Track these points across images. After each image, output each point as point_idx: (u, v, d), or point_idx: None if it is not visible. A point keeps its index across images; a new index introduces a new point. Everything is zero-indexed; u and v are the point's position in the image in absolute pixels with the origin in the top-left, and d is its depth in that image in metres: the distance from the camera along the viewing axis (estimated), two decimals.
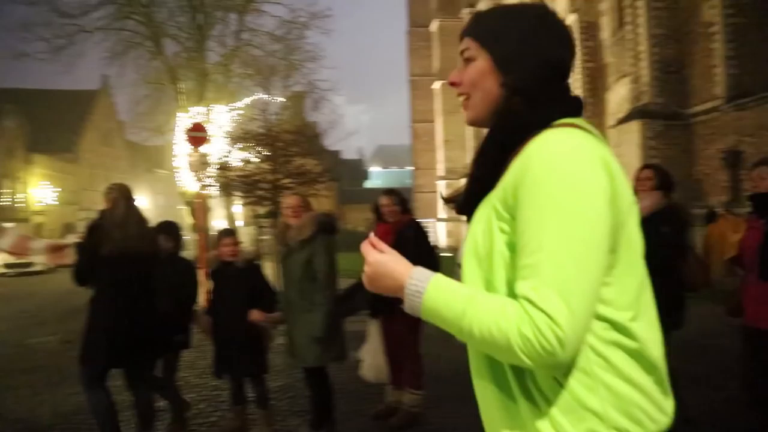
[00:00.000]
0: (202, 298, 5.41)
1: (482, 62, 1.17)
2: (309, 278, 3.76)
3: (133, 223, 3.69)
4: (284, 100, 23.88)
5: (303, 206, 3.95)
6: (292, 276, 3.83)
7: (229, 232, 4.46)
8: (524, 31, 1.16)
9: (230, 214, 23.79)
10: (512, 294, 1.02)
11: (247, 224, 32.89)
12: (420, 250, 4.03)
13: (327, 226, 3.87)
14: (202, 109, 20.53)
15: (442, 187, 33.87)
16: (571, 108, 1.16)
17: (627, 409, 1.03)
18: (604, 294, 1.02)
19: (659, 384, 1.08)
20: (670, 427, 1.08)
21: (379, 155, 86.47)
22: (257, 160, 13.10)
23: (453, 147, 32.82)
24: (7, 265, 23.57)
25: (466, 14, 27.81)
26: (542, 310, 0.95)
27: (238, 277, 4.03)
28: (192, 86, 23.42)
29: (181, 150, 21.71)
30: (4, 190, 32.83)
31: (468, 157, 28.83)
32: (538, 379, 1.03)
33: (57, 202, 38.26)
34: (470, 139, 28.68)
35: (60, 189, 38.60)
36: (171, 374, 4.31)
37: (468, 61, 1.19)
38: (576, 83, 16.10)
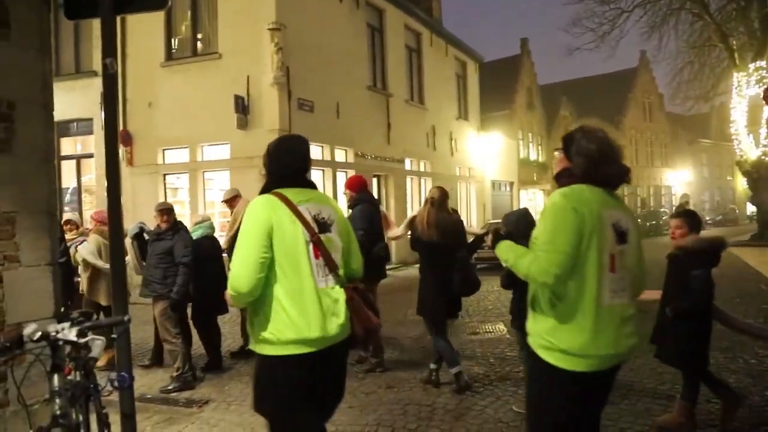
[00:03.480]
0: None
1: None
2: None
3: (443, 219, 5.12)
4: None
5: None
6: None
7: (678, 214, 4.41)
8: (271, 153, 2.77)
9: None
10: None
11: None
12: None
13: None
14: (763, 63, 18.09)
15: None
16: (285, 184, 2.68)
17: (276, 326, 2.49)
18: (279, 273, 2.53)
19: (302, 313, 2.48)
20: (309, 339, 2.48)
21: None
22: None
23: None
24: None
25: None
26: (233, 274, 2.51)
27: (672, 263, 4.16)
28: (745, 40, 20.92)
29: (739, 114, 19.77)
30: None
31: None
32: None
33: None
34: None
35: None
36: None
37: None
38: None
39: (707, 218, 42.25)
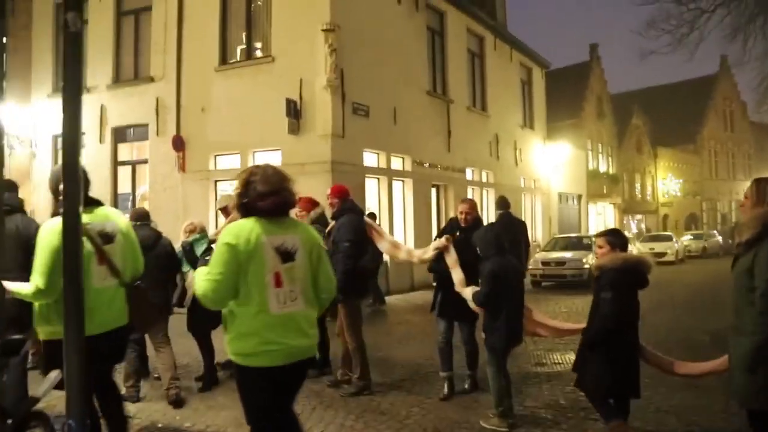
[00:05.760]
0: None
1: None
2: (747, 290, 2.87)
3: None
4: None
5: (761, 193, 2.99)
6: (735, 287, 2.98)
7: (600, 233, 4.28)
8: (54, 182, 3.36)
9: None
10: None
11: None
12: None
13: None
14: None
15: None
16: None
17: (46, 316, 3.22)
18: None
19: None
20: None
21: None
22: None
23: None
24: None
25: None
26: (41, 282, 3.09)
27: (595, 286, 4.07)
28: None
29: None
30: (637, 184, 35.17)
31: None
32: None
33: (680, 194, 38.38)
34: None
35: (682, 180, 38.58)
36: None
37: None
38: None
39: None
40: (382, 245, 5.53)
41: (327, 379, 5.74)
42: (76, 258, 2.24)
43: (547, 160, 23.14)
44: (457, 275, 4.91)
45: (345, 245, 5.18)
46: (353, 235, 5.23)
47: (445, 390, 5.23)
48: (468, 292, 4.77)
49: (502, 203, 8.24)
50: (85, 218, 3.13)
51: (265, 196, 2.78)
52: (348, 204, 5.50)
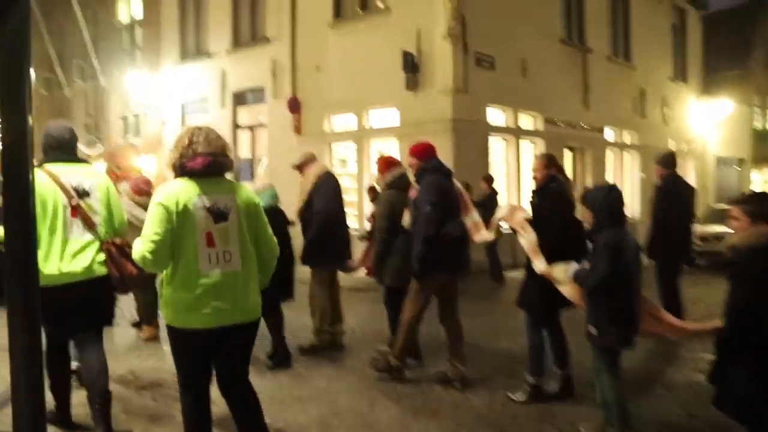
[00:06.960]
0: None
1: None
2: None
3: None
4: None
5: None
6: None
7: (735, 200, 3.06)
8: (42, 137, 3.46)
9: None
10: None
11: None
12: None
13: None
14: None
15: None
16: (52, 160, 3.41)
17: None
18: None
19: (46, 256, 3.22)
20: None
21: None
22: None
23: None
24: None
25: None
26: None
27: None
28: None
29: None
30: None
31: None
32: None
33: None
34: None
35: None
36: None
37: None
38: None
39: None
40: (466, 220, 4.77)
41: (435, 376, 4.79)
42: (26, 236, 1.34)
43: (702, 119, 20.14)
44: (539, 263, 3.95)
45: (426, 208, 4.41)
46: (435, 197, 4.44)
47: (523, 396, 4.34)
48: (559, 271, 3.78)
49: (667, 161, 6.34)
50: (60, 171, 3.36)
51: (198, 156, 2.76)
52: (432, 164, 4.72)
